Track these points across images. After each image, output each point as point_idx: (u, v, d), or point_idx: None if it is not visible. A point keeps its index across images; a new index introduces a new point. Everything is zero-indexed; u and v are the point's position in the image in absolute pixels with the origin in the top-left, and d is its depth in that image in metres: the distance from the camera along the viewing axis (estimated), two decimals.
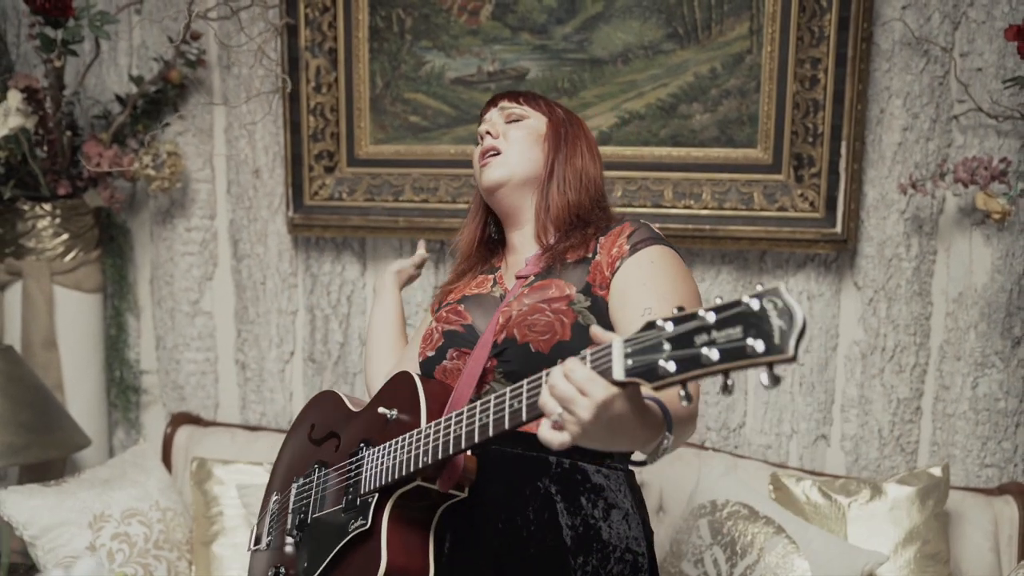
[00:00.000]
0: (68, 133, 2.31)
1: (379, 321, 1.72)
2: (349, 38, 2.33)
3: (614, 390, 0.99)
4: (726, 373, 0.90)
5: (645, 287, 1.32)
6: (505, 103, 1.54)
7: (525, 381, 1.09)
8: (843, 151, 2.11)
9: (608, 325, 1.35)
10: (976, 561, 2.00)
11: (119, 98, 2.44)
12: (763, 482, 2.11)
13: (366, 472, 1.35)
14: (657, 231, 1.43)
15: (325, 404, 1.60)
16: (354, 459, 1.39)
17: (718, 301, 0.92)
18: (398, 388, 1.40)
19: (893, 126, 2.16)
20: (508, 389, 1.11)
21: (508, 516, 1.33)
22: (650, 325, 0.96)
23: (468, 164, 2.35)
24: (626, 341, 0.98)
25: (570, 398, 0.99)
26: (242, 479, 2.15)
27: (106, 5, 2.49)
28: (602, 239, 1.42)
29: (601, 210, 1.50)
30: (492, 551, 1.32)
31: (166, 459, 2.44)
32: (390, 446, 1.31)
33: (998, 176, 1.98)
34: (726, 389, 0.90)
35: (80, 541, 1.96)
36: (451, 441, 1.19)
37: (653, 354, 0.94)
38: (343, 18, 2.32)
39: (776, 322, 0.86)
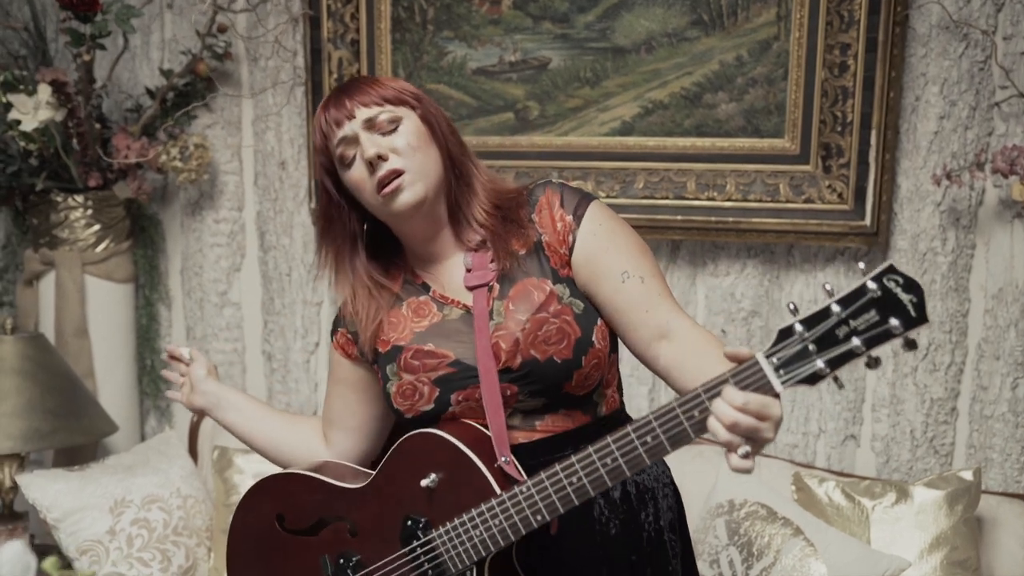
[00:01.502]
0: (98, 126, 2.36)
1: (251, 419, 1.53)
2: (371, 29, 2.33)
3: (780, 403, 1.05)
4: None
5: (608, 252, 1.29)
6: (363, 111, 1.28)
7: (654, 420, 1.10)
8: (873, 140, 2.03)
9: (583, 296, 1.30)
10: (1010, 569, 1.91)
11: (149, 91, 2.48)
12: (785, 482, 2.05)
13: (450, 552, 1.24)
14: (574, 185, 1.37)
15: (284, 490, 1.39)
16: (419, 544, 1.26)
17: (829, 288, 1.01)
18: (419, 450, 1.26)
19: (929, 114, 2.07)
20: (632, 431, 1.11)
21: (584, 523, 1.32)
22: (785, 333, 1.02)
23: (489, 156, 2.33)
24: (768, 356, 1.03)
25: (755, 427, 1.03)
26: (261, 468, 2.16)
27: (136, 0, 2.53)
28: (534, 216, 1.32)
29: (499, 184, 1.37)
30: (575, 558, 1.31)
31: (192, 447, 2.48)
32: (477, 517, 1.21)
33: None
34: (872, 365, 1.00)
35: (101, 525, 2.00)
36: (573, 493, 1.16)
37: (804, 359, 1.02)
38: (365, 9, 2.32)
39: (904, 296, 0.97)
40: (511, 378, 1.27)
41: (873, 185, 2.04)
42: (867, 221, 2.06)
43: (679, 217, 2.18)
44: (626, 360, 1.45)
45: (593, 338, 1.29)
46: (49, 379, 2.17)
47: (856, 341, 0.99)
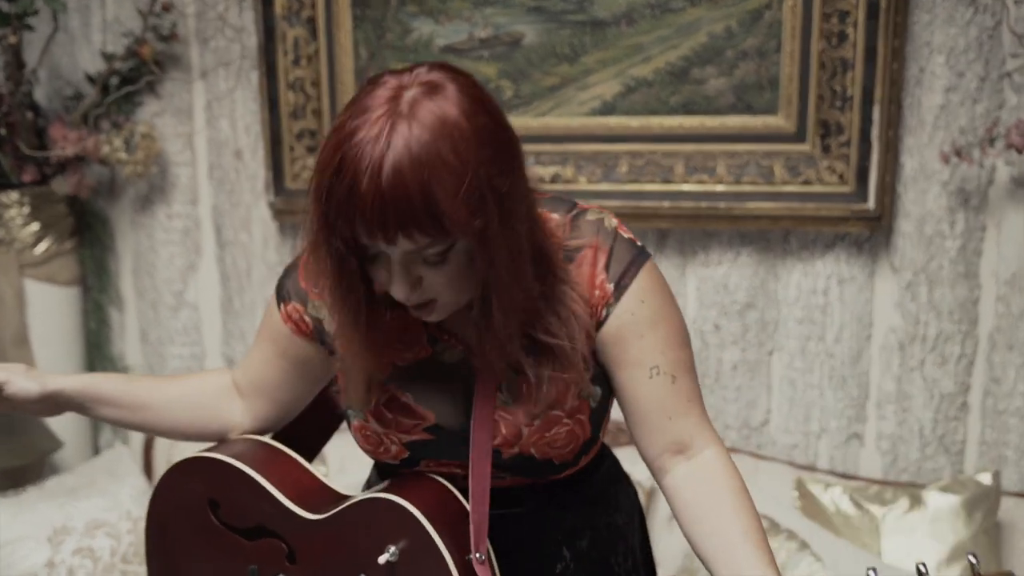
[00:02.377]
0: (31, 115, 2.16)
1: (135, 409, 1.20)
2: (329, 5, 2.14)
3: None
4: None
5: (642, 339, 1.04)
6: (407, 244, 0.91)
7: None
8: (876, 116, 1.87)
9: (602, 374, 1.07)
10: None
11: (89, 77, 2.28)
12: (787, 488, 1.90)
13: None
14: (628, 236, 1.07)
15: (221, 478, 1.17)
16: None
17: (923, 569, 0.82)
18: (386, 518, 1.07)
19: (934, 86, 1.91)
20: None
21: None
22: None
23: None
24: None
25: None
26: None
27: None
28: (571, 268, 1.04)
29: (548, 236, 1.03)
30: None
31: (147, 463, 2.30)
32: None
33: None
34: None
35: (38, 557, 1.83)
36: None
37: None
38: None
39: None
40: (499, 462, 1.07)
41: (877, 165, 1.88)
42: (870, 204, 1.90)
43: (666, 203, 2.01)
44: None
45: (599, 434, 1.11)
46: None
47: None
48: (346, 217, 0.90)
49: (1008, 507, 1.82)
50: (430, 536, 1.05)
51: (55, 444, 2.12)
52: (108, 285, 2.47)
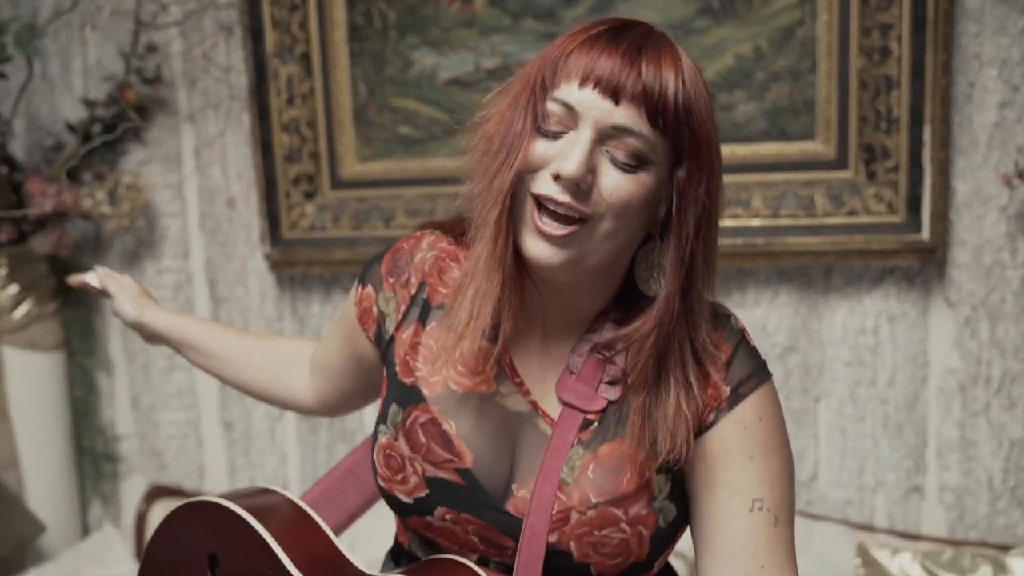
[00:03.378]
0: (6, 169, 2.00)
1: (217, 360, 1.23)
2: (324, 40, 1.99)
3: None
4: None
5: (751, 462, 0.87)
6: (630, 111, 0.82)
7: None
8: (927, 137, 1.70)
9: (682, 493, 0.91)
10: None
11: (70, 126, 2.13)
12: (847, 554, 1.70)
13: None
14: (753, 345, 0.93)
15: (226, 529, 1.04)
16: None
17: None
18: None
19: (987, 103, 1.74)
20: None
21: None
22: None
23: None
24: None
25: None
26: None
27: (51, 16, 2.18)
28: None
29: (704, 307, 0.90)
30: None
31: (139, 547, 2.10)
32: None
33: None
34: None
35: None
36: None
37: None
38: (316, 17, 1.98)
39: None
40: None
41: (930, 190, 1.71)
42: (924, 234, 1.73)
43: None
44: None
45: (655, 563, 0.90)
46: None
47: None
48: (585, 57, 0.83)
49: None
50: None
51: (37, 529, 1.93)
52: (95, 349, 2.29)
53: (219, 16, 2.04)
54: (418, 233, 1.03)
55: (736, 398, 0.88)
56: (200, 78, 2.13)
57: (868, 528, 1.87)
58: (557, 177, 0.83)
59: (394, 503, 0.96)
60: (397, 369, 0.97)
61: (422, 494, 0.92)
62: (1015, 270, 1.78)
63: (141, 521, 2.14)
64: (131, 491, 2.36)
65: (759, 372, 0.90)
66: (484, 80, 1.94)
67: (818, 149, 1.80)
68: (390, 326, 0.99)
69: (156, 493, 2.22)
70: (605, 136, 0.83)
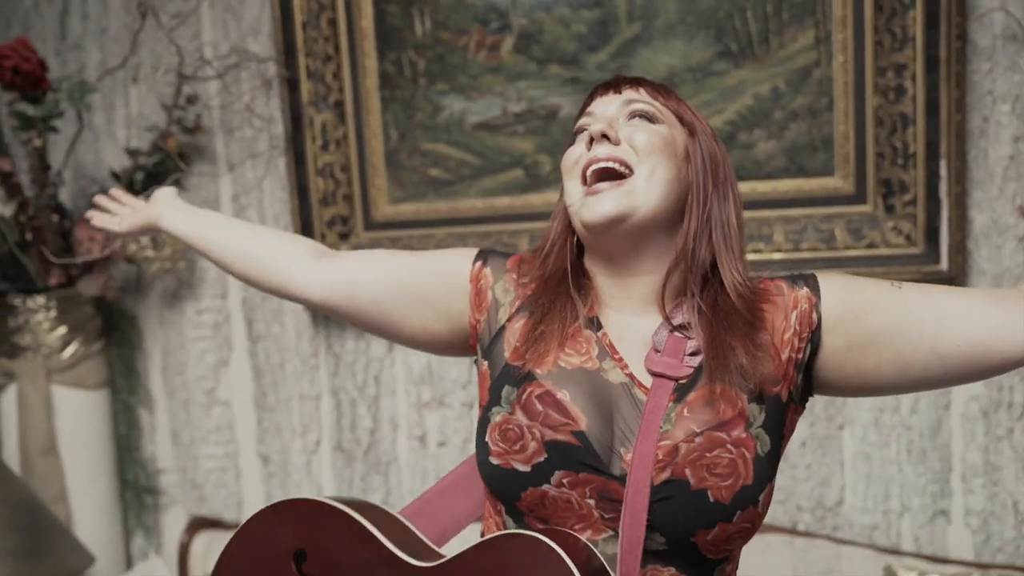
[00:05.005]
0: (56, 217, 2.10)
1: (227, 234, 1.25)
2: (357, 88, 2.08)
3: None
4: None
5: (865, 284, 1.02)
6: (630, 92, 1.05)
7: None
8: (943, 171, 1.76)
9: (779, 430, 0.99)
10: None
11: (115, 174, 2.22)
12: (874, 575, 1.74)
13: None
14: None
15: (315, 522, 1.06)
16: None
17: None
18: (519, 558, 0.95)
19: (1001, 137, 1.80)
20: None
21: None
22: None
23: (499, 219, 2.05)
24: None
25: None
26: None
27: (97, 71, 2.28)
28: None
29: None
30: None
31: (182, 573, 2.17)
32: None
33: None
34: None
35: None
36: None
37: None
38: (349, 67, 2.07)
39: None
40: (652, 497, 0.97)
41: (948, 222, 1.76)
42: (943, 265, 1.78)
43: None
44: None
45: (760, 497, 0.97)
46: (9, 514, 1.87)
47: None
48: (590, 96, 1.08)
49: None
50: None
51: (87, 560, 2.00)
52: (137, 386, 2.38)
53: (257, 68, 2.13)
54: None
55: (814, 288, 1.01)
56: (238, 127, 2.22)
57: (895, 552, 1.90)
58: (591, 141, 1.02)
59: (509, 481, 1.01)
60: (507, 354, 1.06)
61: (541, 459, 0.98)
62: None
63: (184, 551, 2.20)
64: (172, 523, 2.43)
65: (808, 272, 1.05)
66: (511, 124, 2.02)
67: (837, 184, 1.85)
68: (503, 316, 1.09)
69: (197, 525, 2.28)
70: (620, 113, 1.04)
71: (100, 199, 1.39)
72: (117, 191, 1.40)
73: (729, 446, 0.96)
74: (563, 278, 1.06)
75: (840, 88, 1.82)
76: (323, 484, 2.32)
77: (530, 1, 1.96)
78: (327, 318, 2.24)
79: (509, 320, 1.08)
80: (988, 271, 1.83)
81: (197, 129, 2.19)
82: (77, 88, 1.87)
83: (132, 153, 2.19)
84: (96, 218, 1.36)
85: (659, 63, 1.91)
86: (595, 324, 1.04)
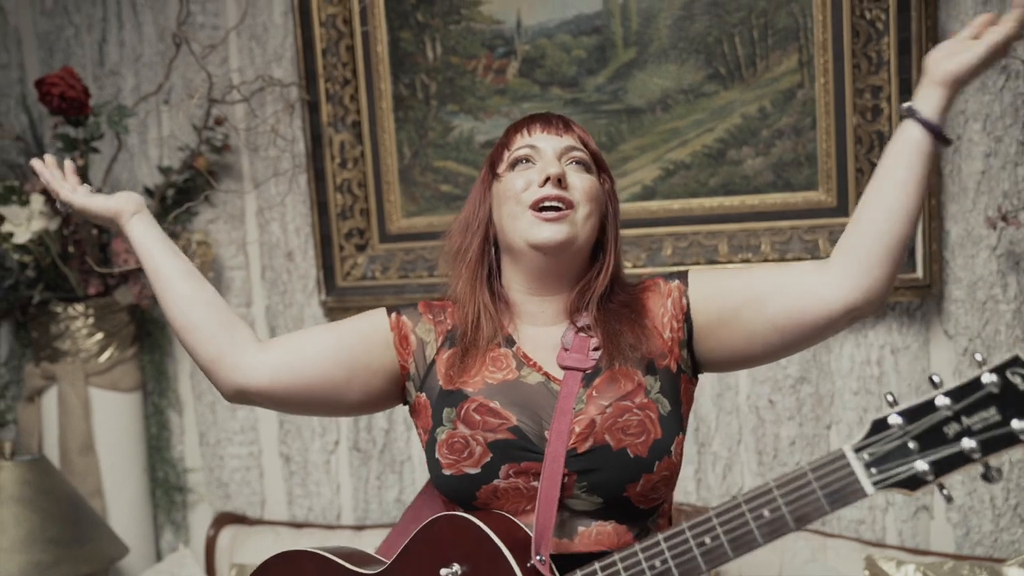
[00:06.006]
0: (96, 231, 2.26)
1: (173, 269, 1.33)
2: (373, 109, 2.23)
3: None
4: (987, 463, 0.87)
5: (725, 275, 1.28)
6: (570, 140, 1.26)
7: (714, 518, 1.01)
8: None
9: (675, 395, 1.21)
10: None
11: (148, 190, 2.39)
12: (856, 566, 1.85)
13: None
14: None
15: (299, 570, 1.26)
16: None
17: (937, 379, 0.89)
18: (445, 536, 1.15)
19: (973, 153, 1.92)
20: (687, 529, 1.02)
21: None
22: (879, 426, 0.91)
23: None
24: (858, 450, 0.92)
25: None
26: None
27: (132, 96, 2.46)
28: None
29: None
30: None
31: (209, 565, 2.31)
32: None
33: None
34: (990, 478, 0.89)
35: None
36: None
37: (903, 458, 0.90)
38: (365, 90, 2.23)
39: None
40: (574, 464, 1.16)
41: (923, 233, 1.89)
42: (919, 273, 1.90)
43: None
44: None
45: (672, 447, 1.17)
46: (51, 505, 2.03)
47: (970, 443, 0.86)
48: (527, 125, 1.27)
49: None
50: (492, 542, 1.09)
51: (122, 550, 2.15)
52: (167, 390, 2.53)
53: (281, 92, 2.30)
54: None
55: (684, 279, 1.26)
56: (263, 146, 2.39)
57: (880, 545, 2.01)
58: (546, 181, 1.21)
59: (463, 485, 1.19)
60: (441, 382, 1.25)
61: (488, 459, 1.17)
62: (1007, 304, 1.93)
63: (211, 545, 2.35)
64: (199, 519, 2.58)
65: (684, 269, 1.32)
66: None
67: (820, 198, 1.98)
68: (430, 352, 1.28)
69: (222, 520, 2.42)
70: (561, 154, 1.25)
71: (39, 161, 1.39)
72: (51, 158, 1.41)
73: (635, 411, 1.15)
74: (480, 306, 1.25)
75: (822, 108, 1.95)
76: (341, 482, 2.46)
77: (533, 28, 2.11)
78: None
79: (437, 354, 1.27)
80: (963, 279, 1.95)
81: (225, 149, 2.35)
82: (116, 112, 2.03)
83: (164, 171, 2.35)
84: (38, 165, 1.38)
85: (653, 85, 2.05)
86: (509, 341, 1.26)
